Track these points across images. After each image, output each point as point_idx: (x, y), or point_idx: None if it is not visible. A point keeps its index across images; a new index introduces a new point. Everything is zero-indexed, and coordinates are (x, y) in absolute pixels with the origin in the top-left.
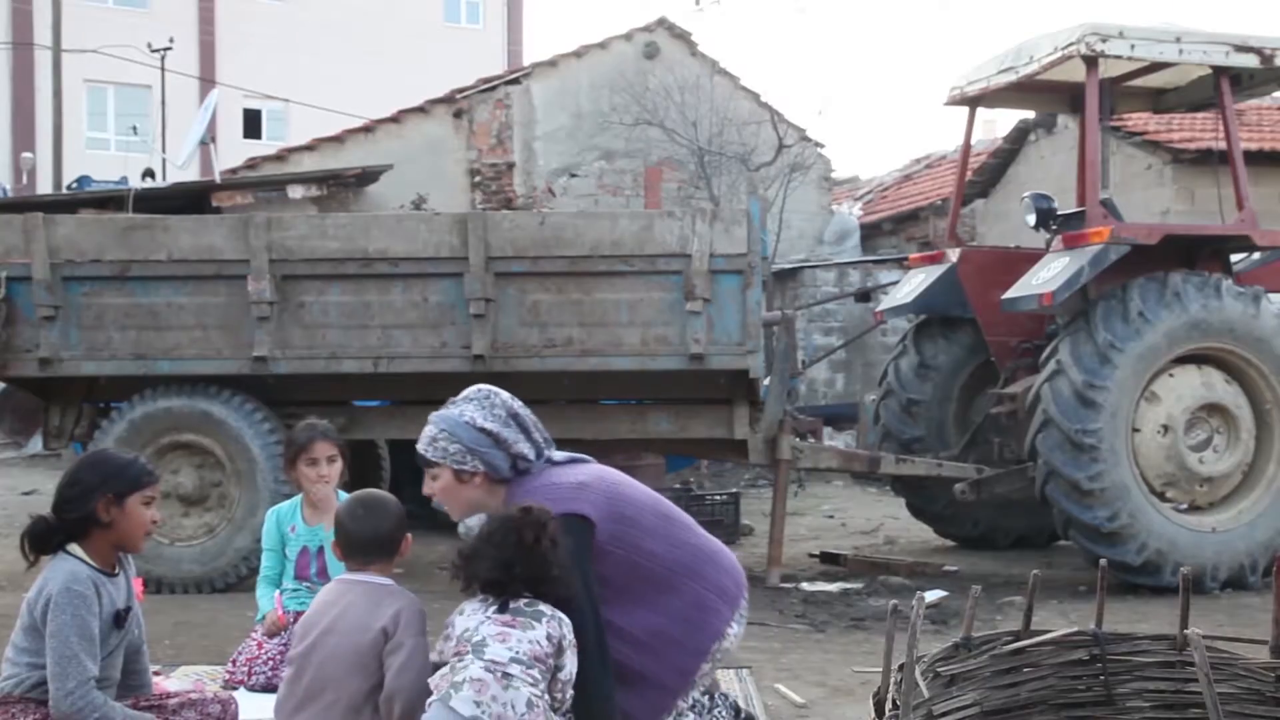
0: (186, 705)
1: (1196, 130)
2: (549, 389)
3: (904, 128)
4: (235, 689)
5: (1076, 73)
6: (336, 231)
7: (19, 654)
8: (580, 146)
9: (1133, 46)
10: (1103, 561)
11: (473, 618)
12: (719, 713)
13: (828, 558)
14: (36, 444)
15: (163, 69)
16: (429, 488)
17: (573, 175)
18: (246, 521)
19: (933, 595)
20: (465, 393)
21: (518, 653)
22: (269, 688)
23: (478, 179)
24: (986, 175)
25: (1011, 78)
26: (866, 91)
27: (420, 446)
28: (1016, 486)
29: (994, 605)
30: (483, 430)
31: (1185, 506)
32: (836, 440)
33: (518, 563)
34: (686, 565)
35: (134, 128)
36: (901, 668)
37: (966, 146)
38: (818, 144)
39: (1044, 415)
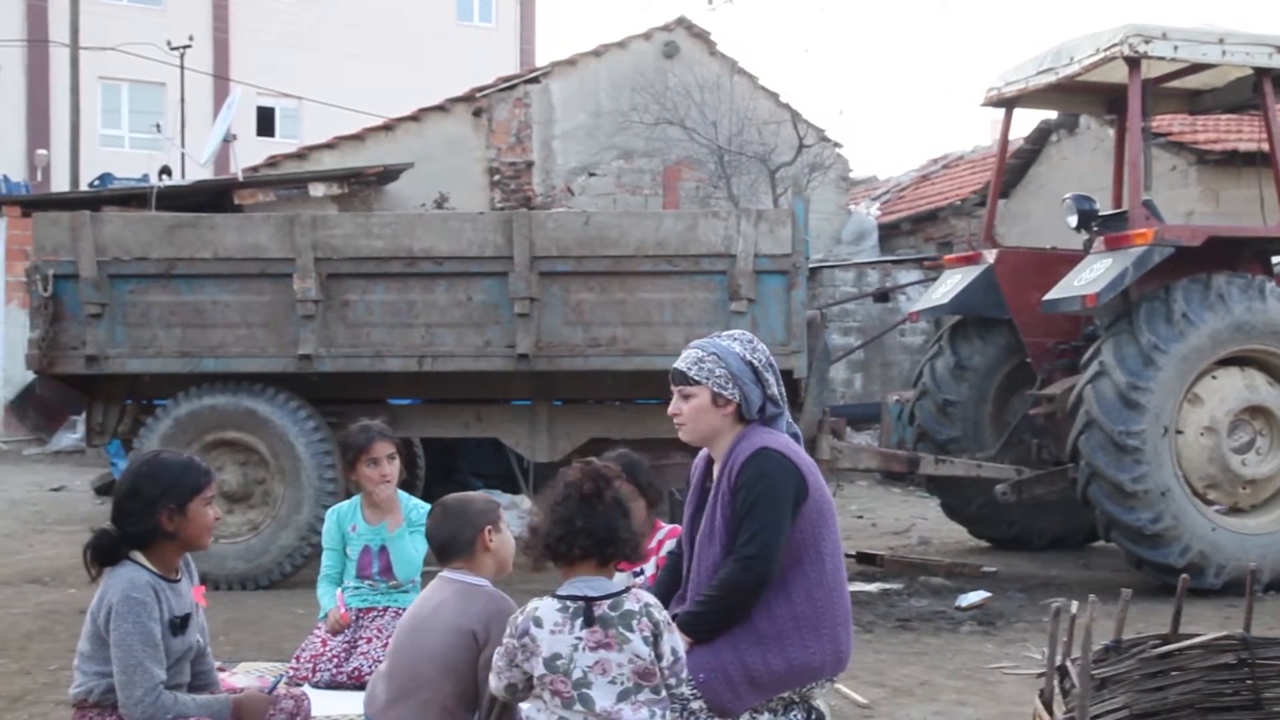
0: None
1: (1221, 131)
2: (592, 388)
3: (920, 128)
4: (299, 685)
5: (1114, 74)
6: (381, 230)
7: (86, 663)
8: (599, 145)
9: (1176, 48)
10: (1253, 564)
11: (559, 637)
12: (795, 715)
13: (864, 558)
14: (60, 440)
15: (182, 67)
16: (676, 407)
17: (591, 174)
18: (291, 519)
19: (975, 597)
20: (728, 332)
21: (624, 683)
22: (333, 684)
23: (496, 177)
24: (1007, 176)
25: (1051, 78)
26: (885, 91)
27: (683, 365)
28: (1057, 488)
29: (1039, 607)
30: (749, 364)
31: (1226, 509)
32: (858, 440)
33: (579, 517)
34: (831, 595)
35: (157, 125)
36: (1060, 669)
37: (1003, 147)
38: (836, 144)
39: (1087, 416)
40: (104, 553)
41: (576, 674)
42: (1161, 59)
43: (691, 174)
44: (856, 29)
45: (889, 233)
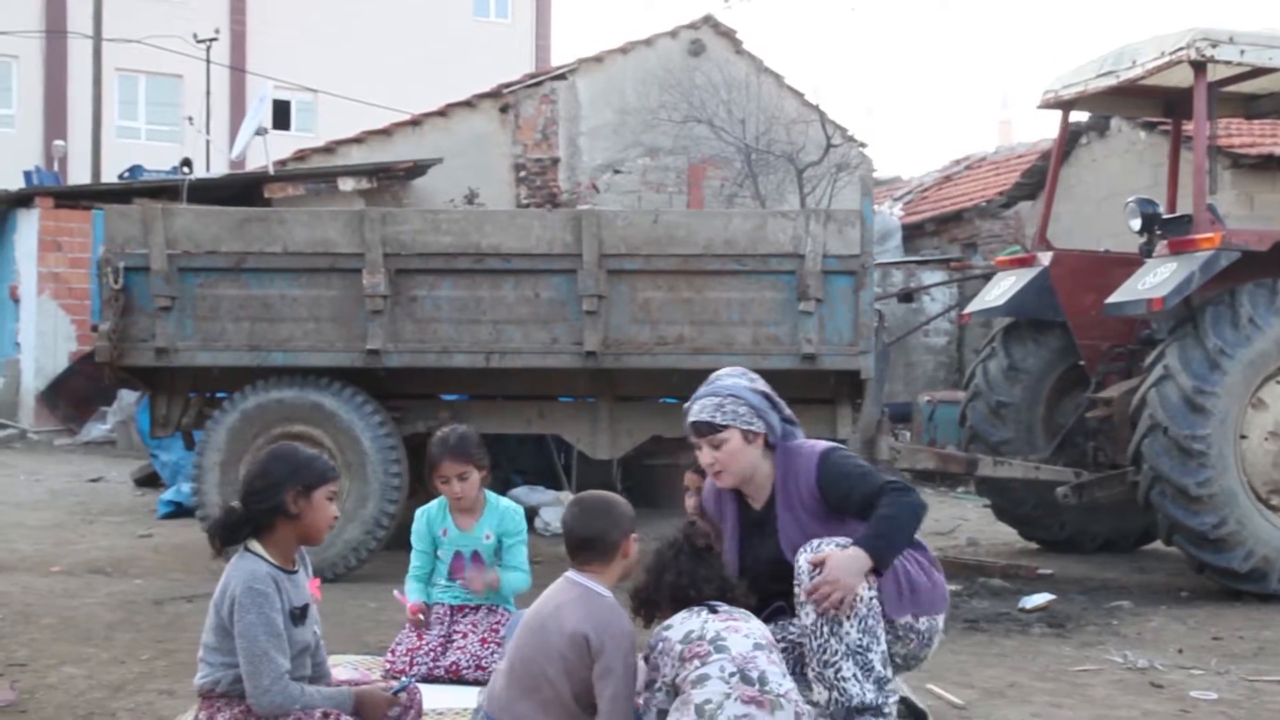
0: None
1: (1256, 135)
2: (654, 386)
3: (939, 128)
4: (396, 679)
5: (1172, 77)
6: (450, 227)
7: (211, 654)
8: (624, 143)
9: (1242, 52)
10: None
11: (689, 621)
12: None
13: None
14: (90, 431)
15: (208, 60)
16: (709, 456)
17: (616, 171)
18: (356, 513)
19: (1039, 599)
20: (721, 371)
21: (757, 639)
22: (429, 678)
23: (523, 174)
24: (1035, 177)
25: (1111, 82)
26: (906, 91)
27: (705, 415)
28: (1116, 491)
29: (1102, 610)
30: (761, 393)
31: None
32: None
33: (702, 565)
34: None
35: (189, 118)
36: None
37: (1060, 150)
38: (861, 144)
39: (1151, 420)
40: (229, 530)
41: (710, 634)
42: (1228, 63)
43: (716, 172)
44: (881, 28)
45: (912, 233)
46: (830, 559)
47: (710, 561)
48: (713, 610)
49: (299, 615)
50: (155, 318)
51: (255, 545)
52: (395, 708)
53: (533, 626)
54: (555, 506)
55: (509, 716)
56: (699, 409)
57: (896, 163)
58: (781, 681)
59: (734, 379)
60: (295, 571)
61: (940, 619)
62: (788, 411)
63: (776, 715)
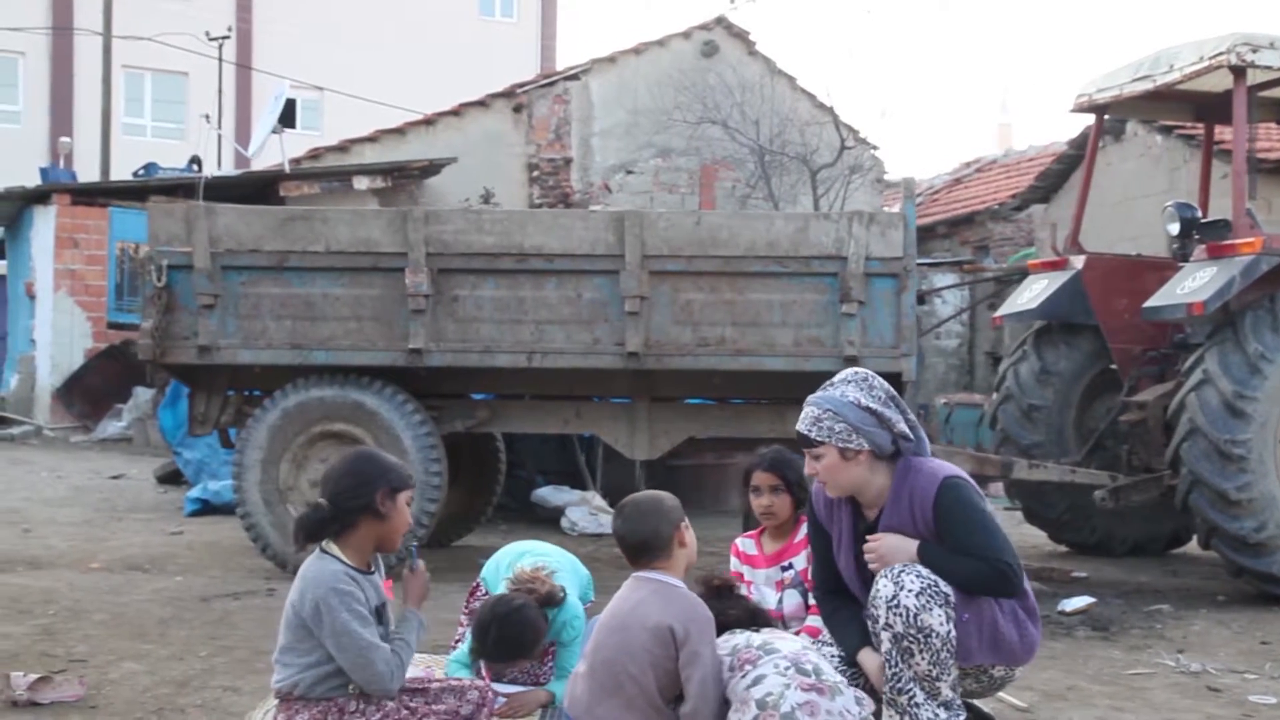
0: (447, 691)
1: (1274, 140)
2: (692, 387)
3: (945, 131)
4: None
5: (1207, 82)
6: (493, 227)
7: (288, 655)
8: (637, 144)
9: None
10: None
11: (734, 637)
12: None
13: None
14: (106, 428)
15: (220, 59)
16: (810, 467)
17: (629, 172)
18: None
19: (1079, 602)
20: (841, 375)
21: (804, 643)
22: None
23: (535, 174)
24: (1049, 180)
25: (1147, 86)
26: (915, 94)
27: (803, 427)
28: (1152, 494)
29: (1141, 614)
30: (867, 410)
31: None
32: None
33: (723, 600)
34: None
35: (206, 116)
36: None
37: (1092, 153)
38: (872, 146)
39: (1190, 424)
40: (315, 527)
41: (758, 642)
42: (1268, 68)
43: (729, 173)
44: (892, 31)
45: (923, 235)
46: (886, 538)
47: (731, 597)
48: (754, 630)
49: (377, 615)
50: (198, 315)
51: (331, 547)
52: (468, 705)
53: (611, 626)
54: (580, 506)
55: (591, 718)
56: (802, 417)
57: (902, 165)
58: (835, 673)
59: (844, 388)
60: (371, 573)
61: (1017, 671)
62: (902, 426)
63: (838, 700)
